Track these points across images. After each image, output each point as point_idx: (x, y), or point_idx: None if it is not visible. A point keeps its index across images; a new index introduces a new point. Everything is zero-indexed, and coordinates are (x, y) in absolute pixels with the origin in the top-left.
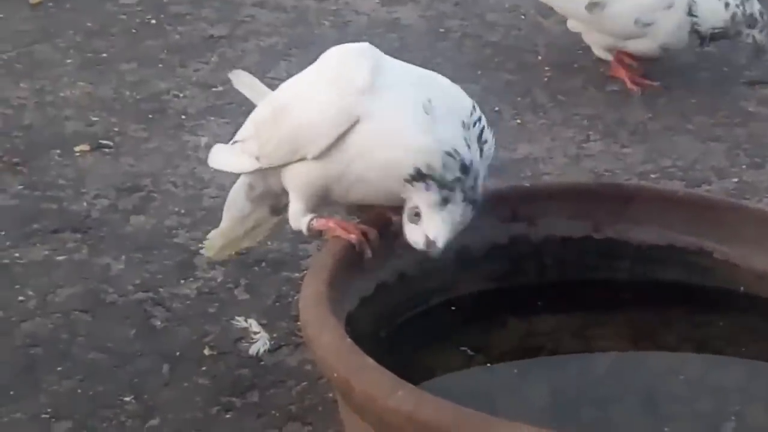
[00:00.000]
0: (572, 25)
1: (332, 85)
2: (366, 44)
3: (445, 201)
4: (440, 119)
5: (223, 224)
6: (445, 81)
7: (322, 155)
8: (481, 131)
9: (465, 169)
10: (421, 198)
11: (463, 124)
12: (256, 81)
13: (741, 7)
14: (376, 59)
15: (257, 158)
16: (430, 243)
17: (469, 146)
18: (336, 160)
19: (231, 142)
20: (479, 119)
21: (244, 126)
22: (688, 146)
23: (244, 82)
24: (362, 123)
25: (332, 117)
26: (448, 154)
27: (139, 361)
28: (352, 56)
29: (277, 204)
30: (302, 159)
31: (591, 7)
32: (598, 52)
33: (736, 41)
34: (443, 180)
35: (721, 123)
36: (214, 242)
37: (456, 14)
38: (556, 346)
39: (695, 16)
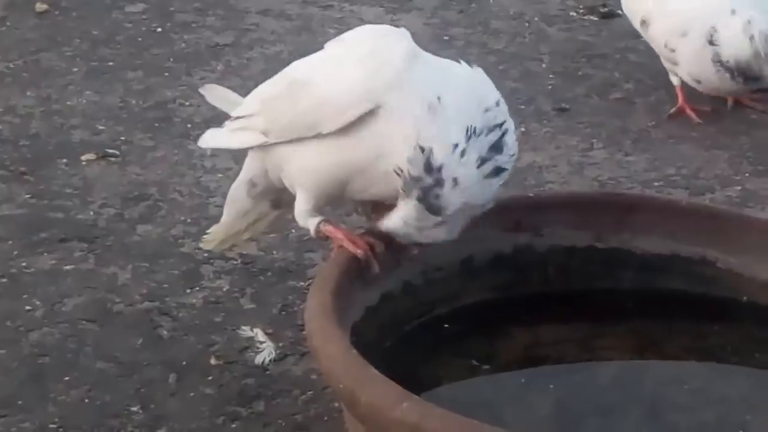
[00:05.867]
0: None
1: (364, 64)
2: (402, 29)
3: (403, 194)
4: (442, 119)
5: (224, 219)
6: (470, 77)
7: (339, 135)
8: (501, 137)
9: (429, 168)
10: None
11: (469, 130)
12: (230, 93)
13: (765, 44)
14: (412, 45)
15: (264, 133)
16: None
17: (456, 151)
18: (354, 147)
19: (226, 122)
20: (500, 125)
21: (243, 104)
22: (691, 154)
23: (217, 95)
24: (381, 113)
25: (357, 96)
26: (421, 148)
27: (146, 371)
28: (390, 38)
29: (279, 199)
30: (317, 136)
31: (642, 24)
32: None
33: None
34: (408, 175)
35: (724, 131)
36: (215, 236)
37: (460, 22)
38: (560, 355)
39: (715, 45)
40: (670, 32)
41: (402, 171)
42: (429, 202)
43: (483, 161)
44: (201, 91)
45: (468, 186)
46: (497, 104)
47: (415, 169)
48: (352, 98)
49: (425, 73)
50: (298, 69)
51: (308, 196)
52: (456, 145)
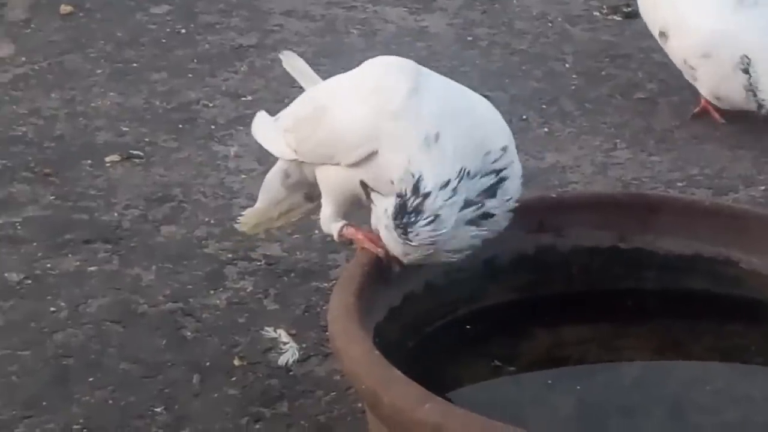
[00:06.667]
0: None
1: (368, 101)
2: (410, 62)
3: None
4: (437, 154)
5: (258, 205)
6: (481, 115)
7: (356, 165)
8: (497, 182)
9: (416, 190)
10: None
11: (462, 171)
12: (305, 64)
13: None
14: (416, 80)
15: (295, 151)
16: None
17: (447, 189)
18: (370, 170)
19: (275, 117)
20: (498, 171)
21: (288, 110)
22: (715, 154)
23: (293, 64)
24: (383, 145)
25: (364, 135)
26: (411, 174)
27: (170, 372)
28: (393, 74)
29: (312, 192)
30: (337, 164)
31: (660, 36)
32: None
33: None
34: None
35: (748, 131)
36: (249, 219)
37: (484, 22)
38: (583, 356)
39: (751, 75)
40: (690, 51)
41: (393, 184)
42: (402, 219)
43: (468, 205)
44: (280, 56)
45: (443, 228)
46: (503, 149)
47: (405, 185)
48: (359, 137)
49: (430, 106)
50: (324, 92)
51: (330, 203)
52: (447, 182)
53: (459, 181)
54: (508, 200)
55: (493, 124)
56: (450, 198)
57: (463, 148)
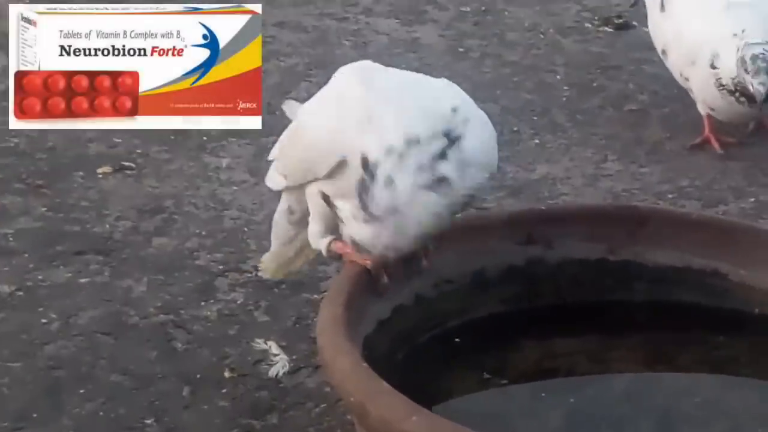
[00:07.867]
0: None
1: (330, 108)
2: (367, 63)
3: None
4: (377, 130)
5: (273, 248)
6: (427, 86)
7: (330, 176)
8: (448, 145)
9: (365, 165)
10: None
11: (410, 138)
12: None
13: (743, 51)
14: (366, 77)
15: (285, 177)
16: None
17: (393, 155)
18: (340, 180)
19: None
20: (448, 133)
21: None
22: (705, 166)
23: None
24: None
25: (332, 145)
26: (363, 156)
27: (160, 384)
28: (347, 77)
29: None
30: (315, 179)
31: (663, 54)
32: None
33: None
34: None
35: (738, 142)
36: (269, 264)
37: (475, 34)
38: (572, 367)
39: (716, 68)
40: (683, 62)
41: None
42: (362, 196)
43: (422, 169)
44: (283, 107)
45: (402, 190)
46: (454, 110)
47: (357, 172)
48: (328, 148)
49: (369, 92)
50: (305, 109)
51: (317, 220)
52: (391, 148)
53: (407, 147)
54: (461, 161)
55: (441, 90)
56: (400, 162)
57: (408, 118)
